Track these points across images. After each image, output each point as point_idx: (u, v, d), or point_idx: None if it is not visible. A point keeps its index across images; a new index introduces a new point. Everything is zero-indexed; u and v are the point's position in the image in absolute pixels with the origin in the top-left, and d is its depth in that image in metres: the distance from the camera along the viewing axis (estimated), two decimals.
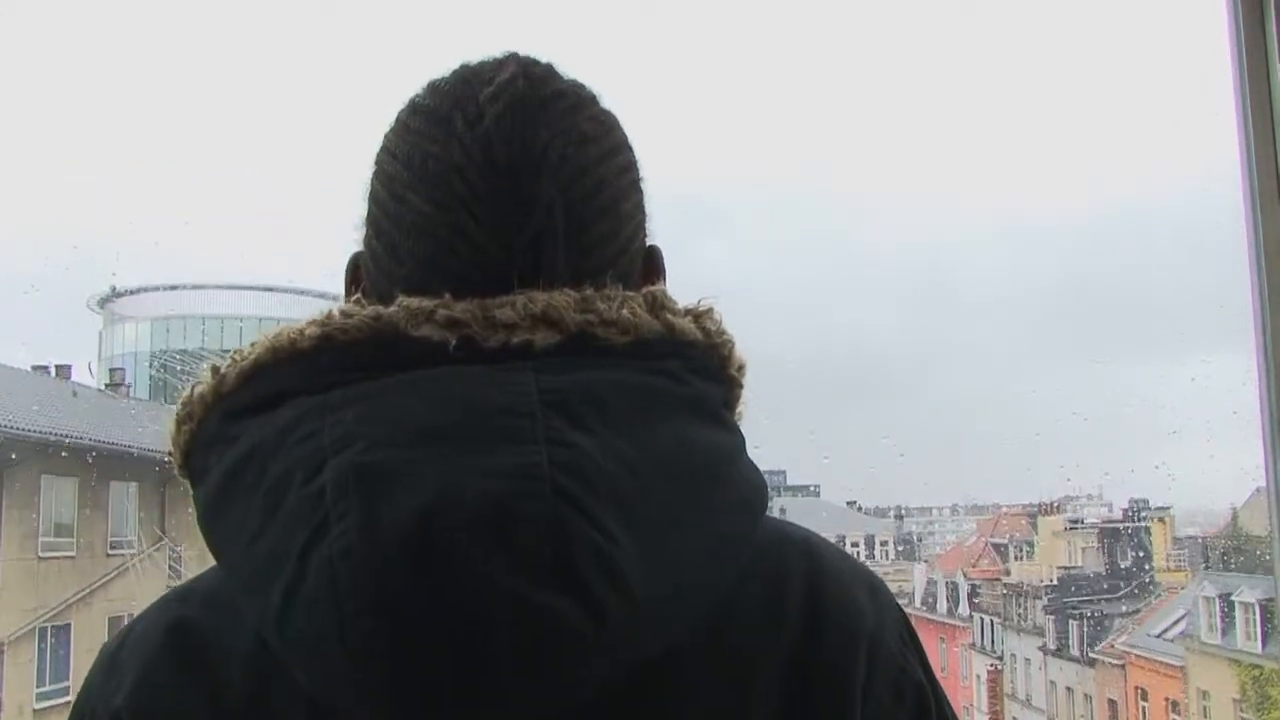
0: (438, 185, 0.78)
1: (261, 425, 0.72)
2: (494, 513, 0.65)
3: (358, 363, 0.72)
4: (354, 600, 0.65)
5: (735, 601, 0.75)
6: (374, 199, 0.82)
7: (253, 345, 0.76)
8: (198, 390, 0.77)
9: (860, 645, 0.77)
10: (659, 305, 0.77)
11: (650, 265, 0.85)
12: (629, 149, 0.85)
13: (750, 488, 0.77)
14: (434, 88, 0.82)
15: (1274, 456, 1.58)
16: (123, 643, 0.80)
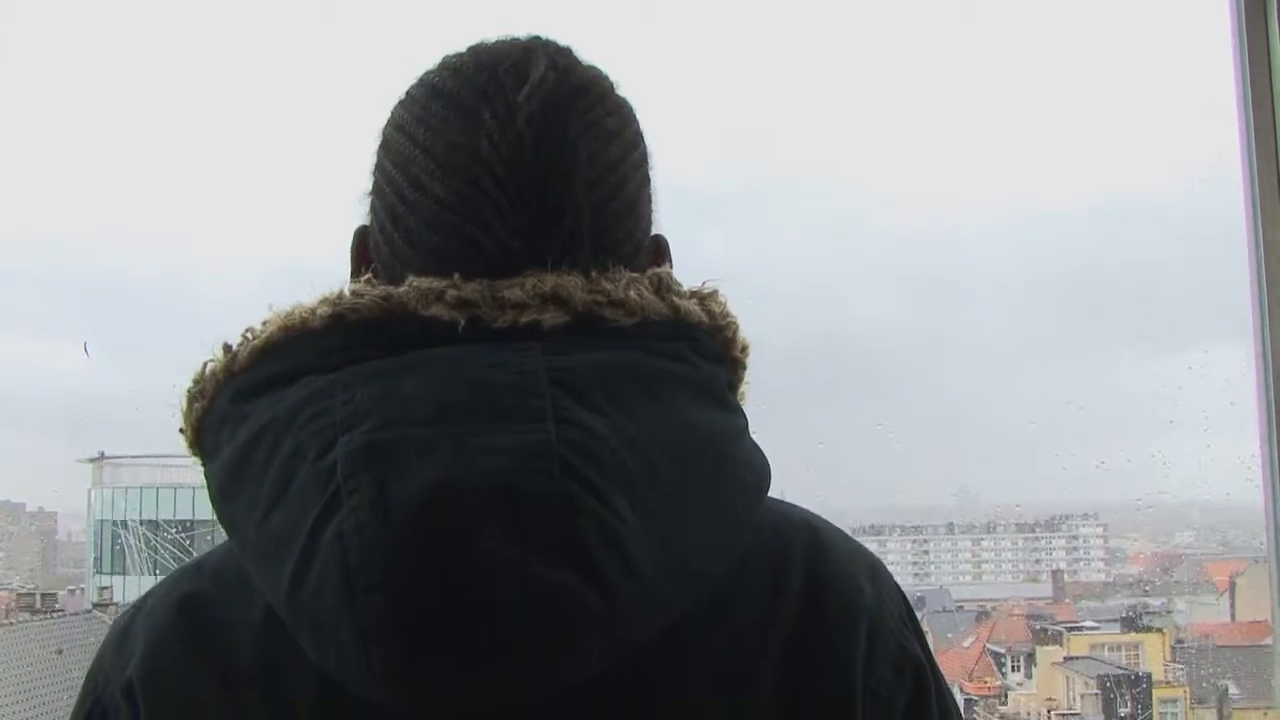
0: (462, 178, 0.77)
1: (273, 404, 0.72)
2: (503, 491, 0.66)
3: (368, 342, 0.73)
4: (364, 576, 0.65)
5: (738, 580, 0.75)
6: (387, 178, 0.81)
7: (264, 324, 0.76)
8: (210, 367, 0.77)
9: (861, 623, 0.78)
10: (665, 287, 0.77)
11: (657, 254, 0.85)
12: (643, 139, 0.85)
13: (753, 469, 0.77)
14: (454, 70, 0.81)
15: (1271, 446, 1.60)
16: (134, 616, 0.80)
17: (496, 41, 0.82)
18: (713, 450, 0.74)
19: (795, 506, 0.84)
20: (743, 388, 0.82)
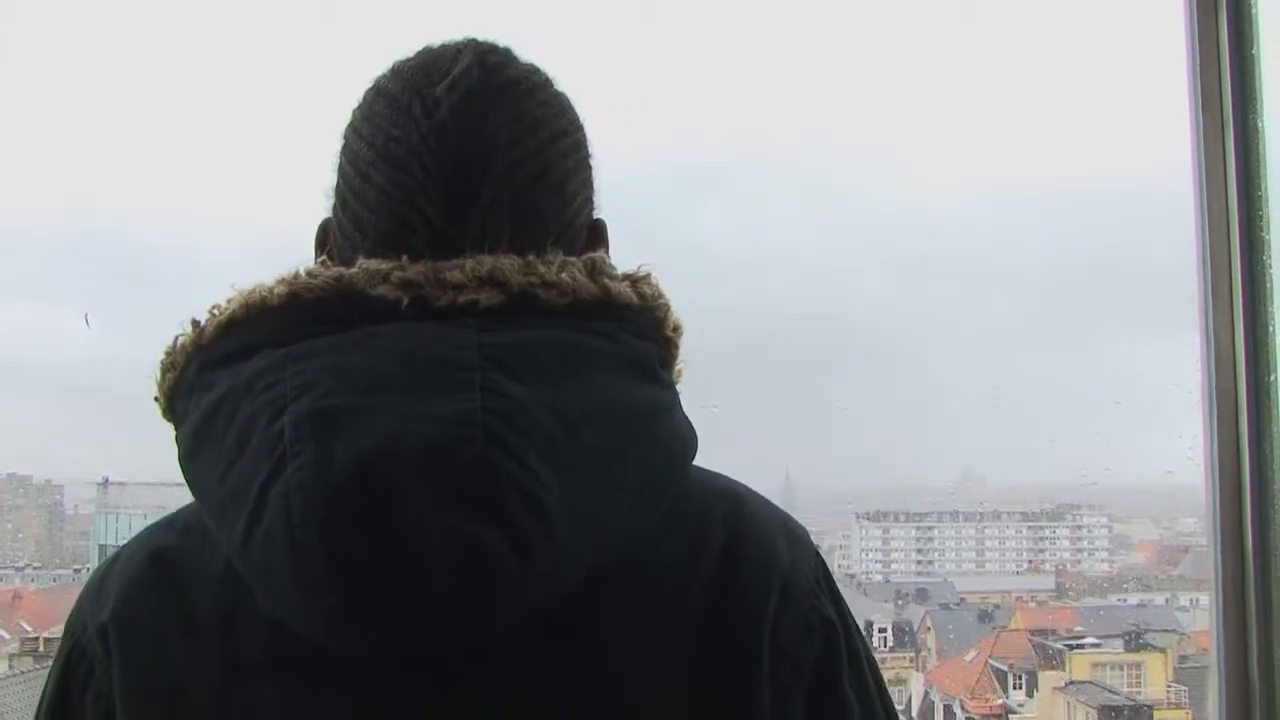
0: (398, 167, 0.84)
1: (234, 374, 0.79)
2: (432, 454, 0.72)
3: (320, 318, 0.79)
4: (305, 531, 0.72)
5: (659, 541, 0.81)
6: (341, 173, 0.89)
7: (229, 301, 0.83)
8: (180, 341, 0.84)
9: (774, 582, 0.83)
10: (597, 270, 0.83)
11: (594, 238, 0.91)
12: (578, 129, 0.91)
13: (679, 438, 0.84)
14: (396, 71, 0.89)
15: (1210, 435, 1.66)
16: (109, 568, 0.87)
17: (440, 45, 0.89)
18: (637, 421, 0.80)
19: (721, 475, 0.89)
20: (679, 365, 0.88)
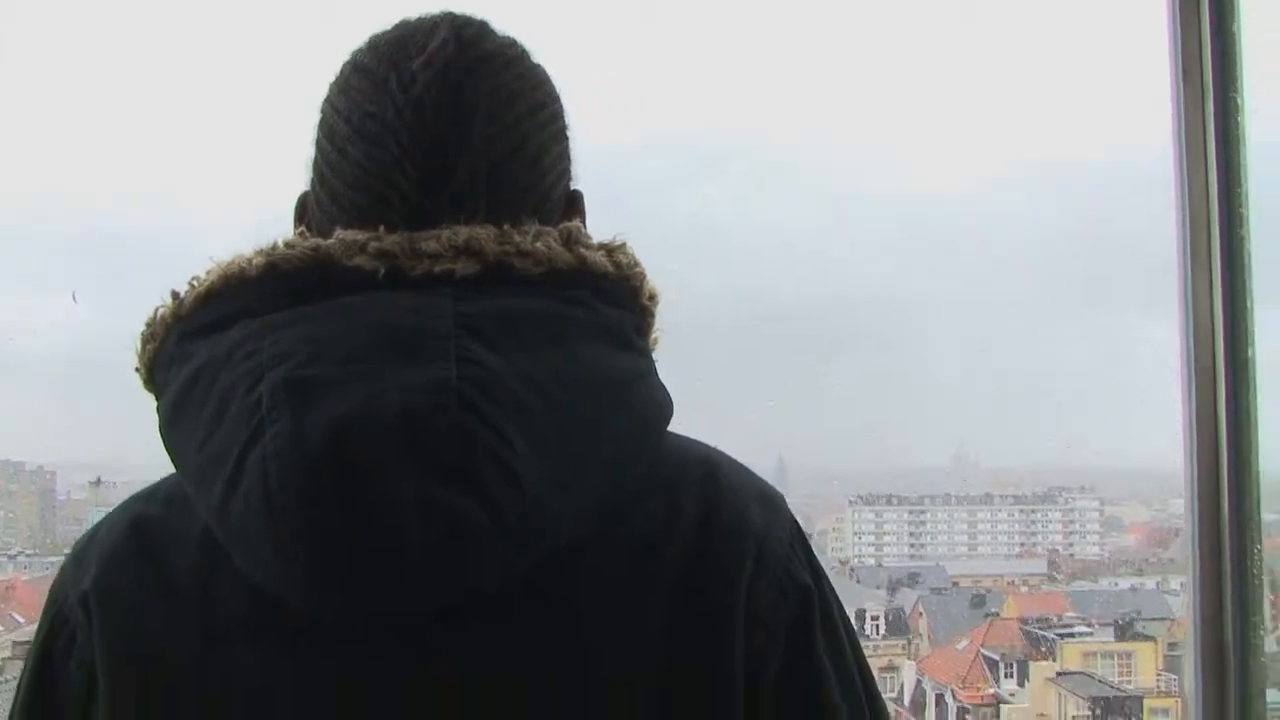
0: (374, 143, 0.85)
1: (213, 344, 0.80)
2: (406, 421, 0.73)
3: (297, 289, 0.80)
4: (281, 498, 0.73)
5: (634, 506, 0.82)
6: (319, 147, 0.90)
7: (208, 273, 0.83)
8: (160, 312, 0.84)
9: (748, 546, 0.83)
10: (573, 240, 0.83)
11: (570, 208, 0.92)
12: (555, 101, 0.91)
13: (655, 405, 0.84)
14: (373, 45, 0.89)
15: (1189, 414, 1.68)
16: (92, 537, 0.88)
17: (416, 19, 0.89)
18: (613, 389, 0.80)
19: (697, 442, 0.90)
20: (655, 333, 0.88)
